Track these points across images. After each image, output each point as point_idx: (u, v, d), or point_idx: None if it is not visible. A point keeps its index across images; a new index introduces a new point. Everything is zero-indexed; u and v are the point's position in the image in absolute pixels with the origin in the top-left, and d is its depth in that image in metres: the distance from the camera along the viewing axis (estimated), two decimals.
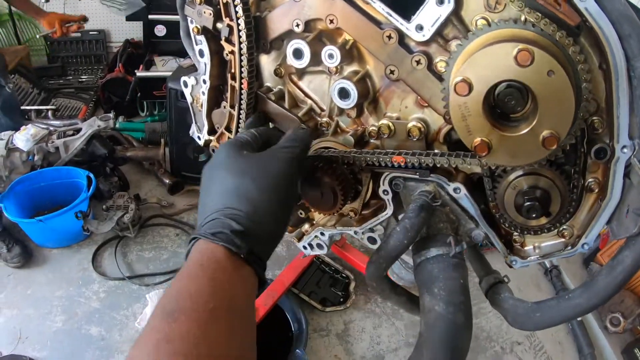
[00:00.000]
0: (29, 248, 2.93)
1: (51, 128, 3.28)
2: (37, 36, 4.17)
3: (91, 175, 2.99)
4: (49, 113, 3.78)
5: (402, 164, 0.85)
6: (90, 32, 4.52)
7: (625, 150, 0.77)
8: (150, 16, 3.89)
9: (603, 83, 0.74)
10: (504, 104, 0.69)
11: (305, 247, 1.29)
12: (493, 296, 0.93)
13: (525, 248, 0.98)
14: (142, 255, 3.01)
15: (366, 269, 0.89)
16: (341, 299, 2.88)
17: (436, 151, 0.87)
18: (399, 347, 2.94)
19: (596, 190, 0.85)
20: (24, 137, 3.09)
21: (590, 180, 0.85)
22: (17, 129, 3.09)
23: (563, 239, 0.94)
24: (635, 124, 0.75)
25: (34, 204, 3.08)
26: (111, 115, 3.27)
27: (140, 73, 3.80)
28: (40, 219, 2.74)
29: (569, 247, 0.93)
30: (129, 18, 3.98)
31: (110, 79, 3.93)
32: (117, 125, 3.52)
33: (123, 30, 4.57)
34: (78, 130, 3.21)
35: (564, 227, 0.92)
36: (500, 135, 0.68)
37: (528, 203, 0.83)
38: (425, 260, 0.84)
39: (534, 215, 0.82)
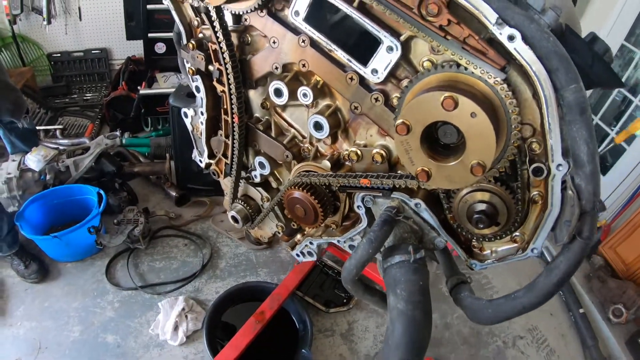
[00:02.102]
0: (45, 264, 3.07)
1: (61, 147, 3.43)
2: None
3: (101, 192, 3.13)
4: (57, 132, 3.92)
5: (368, 185, 0.99)
6: (93, 51, 4.66)
7: (560, 168, 0.87)
8: (149, 34, 4.02)
9: (538, 110, 0.85)
10: (443, 137, 0.83)
11: (298, 255, 1.45)
12: (455, 295, 1.07)
13: (484, 252, 1.11)
14: (153, 265, 3.15)
15: (341, 274, 1.04)
16: (344, 300, 2.97)
17: (392, 174, 1.02)
18: None
19: (540, 202, 0.96)
20: (35, 158, 3.24)
21: (534, 193, 0.96)
22: (28, 150, 3.24)
23: (516, 244, 1.05)
24: (567, 145, 0.85)
25: (48, 221, 3.23)
26: (118, 133, 3.42)
27: (143, 91, 3.93)
28: (55, 235, 2.87)
29: (520, 251, 1.04)
30: (129, 37, 4.11)
31: (114, 97, 4.07)
32: (123, 142, 3.66)
33: (124, 48, 4.69)
34: (86, 149, 3.36)
35: (516, 233, 1.04)
36: (437, 165, 0.82)
37: (476, 215, 0.96)
38: (390, 265, 0.98)
39: (481, 226, 0.95)
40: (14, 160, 3.27)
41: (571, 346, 3.34)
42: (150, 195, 3.67)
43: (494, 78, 0.79)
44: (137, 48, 4.46)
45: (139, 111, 4.02)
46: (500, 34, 0.78)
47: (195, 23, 1.24)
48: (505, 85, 0.80)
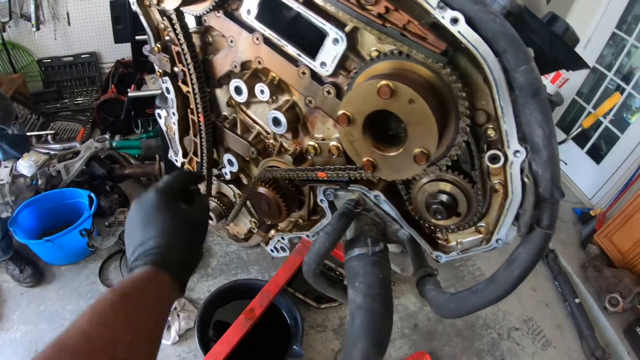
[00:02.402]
0: (39, 267, 3.10)
1: (51, 152, 3.46)
2: None
3: (92, 195, 3.15)
4: (49, 137, 3.94)
5: (325, 178, 1.00)
6: (82, 56, 4.67)
7: (517, 154, 0.82)
8: (137, 37, 4.02)
9: (490, 95, 0.80)
10: (391, 126, 0.82)
11: (272, 250, 1.46)
12: (420, 287, 1.06)
13: (450, 244, 1.08)
14: None
15: (303, 268, 1.04)
16: None
17: (349, 166, 1.02)
18: (395, 339, 3.04)
19: (501, 191, 0.92)
20: (26, 164, 3.27)
21: (495, 182, 0.92)
22: (19, 156, 3.27)
23: (480, 235, 1.01)
24: (523, 130, 0.80)
25: (41, 225, 3.26)
26: (107, 136, 3.43)
27: (132, 93, 3.94)
28: (48, 239, 2.91)
29: (485, 242, 1.00)
30: (117, 41, 4.12)
31: (104, 101, 4.08)
32: (113, 145, 3.68)
33: (113, 51, 4.70)
34: (77, 153, 3.38)
35: (481, 224, 0.99)
36: (382, 155, 0.81)
37: (434, 206, 0.94)
38: (350, 258, 0.98)
39: (439, 217, 0.93)
40: (5, 167, 3.29)
41: (567, 336, 3.33)
42: None
43: (437, 63, 0.76)
44: (126, 51, 4.47)
45: (129, 114, 4.04)
46: (443, 17, 0.75)
47: (162, 26, 1.26)
48: (448, 70, 0.77)
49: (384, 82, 0.71)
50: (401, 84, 0.72)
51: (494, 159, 0.88)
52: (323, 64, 0.92)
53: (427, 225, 1.06)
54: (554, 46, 1.01)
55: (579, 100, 4.68)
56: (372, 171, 0.82)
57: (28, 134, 3.91)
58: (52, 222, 3.27)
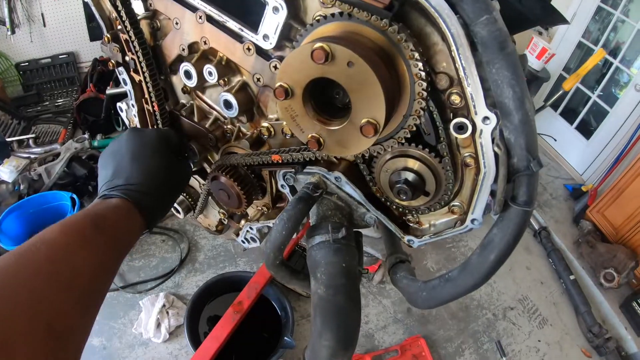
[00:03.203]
0: None
1: (32, 156, 3.41)
2: None
3: (74, 197, 3.12)
4: (30, 141, 3.88)
5: (280, 160, 0.95)
6: (60, 56, 4.59)
7: (487, 121, 0.72)
8: None
9: (450, 54, 0.70)
10: (337, 97, 0.76)
11: (243, 242, 1.41)
12: (392, 275, 0.99)
13: (422, 227, 0.98)
14: (133, 264, 3.14)
15: (263, 260, 0.97)
16: None
17: (298, 147, 0.95)
18: (388, 324, 3.04)
19: (473, 165, 0.81)
20: (7, 170, 3.23)
21: (465, 155, 0.81)
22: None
23: (455, 216, 0.91)
24: (491, 93, 0.70)
25: (27, 230, 3.21)
26: (86, 136, 3.38)
27: (110, 91, 3.89)
28: None
29: (459, 223, 0.89)
30: (92, 39, 4.05)
31: (83, 100, 4.02)
32: (95, 144, 3.62)
33: (91, 50, 4.62)
34: (57, 155, 3.34)
35: (455, 203, 0.89)
36: (328, 130, 0.74)
37: (397, 186, 0.85)
38: (311, 247, 0.91)
39: (404, 197, 0.84)
40: None
41: (564, 314, 3.35)
42: None
43: (382, 20, 0.67)
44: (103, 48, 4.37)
45: (109, 112, 3.98)
46: None
47: (114, 16, 1.20)
48: (395, 27, 0.68)
49: (317, 44, 0.64)
50: (337, 44, 0.64)
51: (460, 127, 0.78)
52: (266, 36, 0.86)
53: (395, 207, 0.97)
54: None
55: (566, 75, 4.63)
56: (318, 148, 0.76)
57: (9, 139, 3.88)
58: (37, 226, 3.22)
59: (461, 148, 0.82)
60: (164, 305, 2.82)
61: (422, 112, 0.76)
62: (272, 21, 0.83)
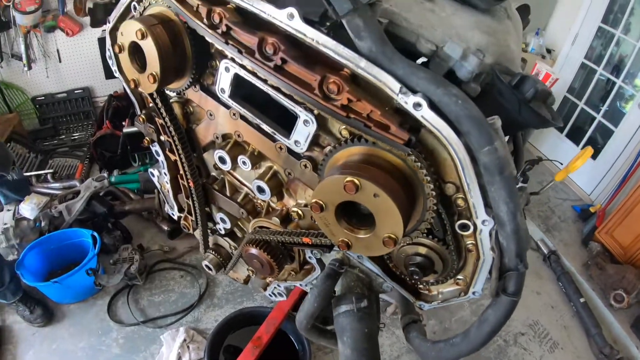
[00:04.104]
0: (49, 307, 3.16)
1: (52, 193, 3.51)
2: None
3: (96, 235, 3.21)
4: (48, 176, 4.00)
5: (310, 243, 1.05)
6: (76, 91, 4.74)
7: (485, 223, 0.88)
8: None
9: (456, 171, 0.83)
10: (361, 207, 0.86)
11: (270, 295, 1.51)
12: (406, 334, 1.13)
13: (432, 294, 1.15)
14: (153, 299, 3.24)
15: (296, 324, 1.10)
16: None
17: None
18: (401, 355, 3.09)
19: (474, 251, 0.98)
20: (29, 207, 3.33)
21: (468, 243, 0.98)
22: (21, 199, 3.33)
23: (459, 287, 1.09)
24: (489, 202, 0.85)
25: (48, 266, 3.32)
26: (105, 174, 3.49)
27: (126, 129, 4.00)
28: (56, 280, 2.97)
29: (463, 294, 1.08)
30: (108, 76, 4.17)
31: (100, 137, 4.14)
32: (112, 180, 3.73)
33: (106, 85, 4.76)
34: (77, 193, 3.44)
35: (459, 277, 1.07)
36: (355, 237, 0.87)
37: (411, 268, 1.01)
38: (337, 315, 1.05)
39: (416, 277, 1.00)
40: (8, 210, 3.36)
41: (575, 336, 3.35)
42: (144, 230, 3.76)
43: (403, 151, 0.80)
44: (118, 84, 4.48)
45: (125, 148, 4.09)
46: (406, 102, 0.78)
47: (145, 94, 1.30)
48: (413, 157, 0.80)
49: (349, 178, 0.76)
50: (366, 180, 0.76)
51: (464, 227, 0.94)
52: (297, 142, 0.97)
53: (407, 278, 1.12)
54: (523, 111, 1.04)
55: (570, 97, 4.72)
56: (347, 249, 0.87)
57: (27, 173, 3.99)
58: (58, 262, 3.33)
59: (464, 238, 0.99)
60: (184, 340, 2.90)
61: (432, 219, 0.91)
62: (303, 131, 0.94)
